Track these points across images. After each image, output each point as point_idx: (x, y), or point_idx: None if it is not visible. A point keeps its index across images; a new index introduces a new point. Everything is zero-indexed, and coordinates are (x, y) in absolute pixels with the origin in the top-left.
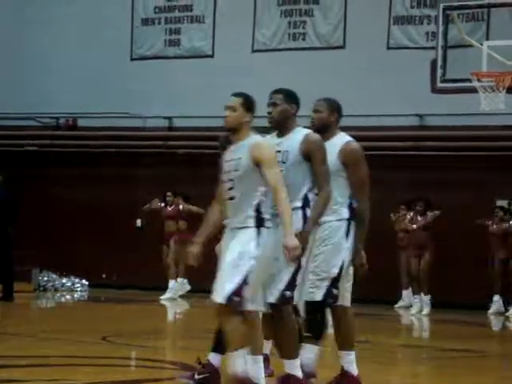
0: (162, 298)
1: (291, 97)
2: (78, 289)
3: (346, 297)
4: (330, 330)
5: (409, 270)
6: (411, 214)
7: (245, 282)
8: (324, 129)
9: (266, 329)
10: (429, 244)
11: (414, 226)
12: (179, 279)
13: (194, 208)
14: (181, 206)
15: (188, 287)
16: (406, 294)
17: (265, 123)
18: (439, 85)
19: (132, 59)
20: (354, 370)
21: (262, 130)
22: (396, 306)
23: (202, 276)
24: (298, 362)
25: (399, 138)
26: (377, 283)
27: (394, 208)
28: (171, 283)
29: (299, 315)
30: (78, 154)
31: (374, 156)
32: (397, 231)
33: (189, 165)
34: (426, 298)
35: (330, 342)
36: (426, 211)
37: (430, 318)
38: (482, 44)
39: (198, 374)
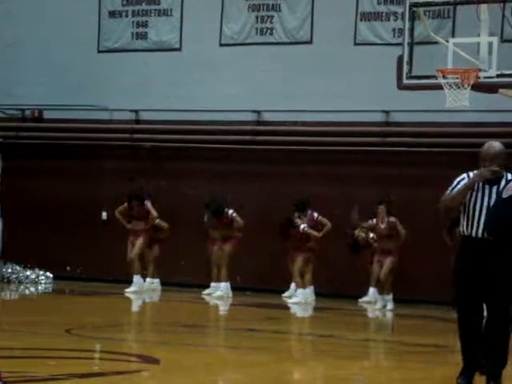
0: (126, 291)
1: None
2: (43, 281)
3: None
4: None
5: (371, 271)
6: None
7: None
8: None
9: None
10: (392, 248)
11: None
12: (148, 279)
13: (163, 224)
14: (153, 212)
15: (158, 287)
16: (373, 290)
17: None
18: (405, 81)
19: (99, 51)
20: None
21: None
22: (360, 300)
23: (170, 270)
24: None
25: (365, 134)
26: (341, 277)
27: (354, 203)
28: (136, 278)
29: None
30: (44, 146)
31: (340, 151)
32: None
33: (154, 158)
34: (389, 297)
35: None
36: (389, 214)
37: (394, 313)
38: (447, 41)
39: None
